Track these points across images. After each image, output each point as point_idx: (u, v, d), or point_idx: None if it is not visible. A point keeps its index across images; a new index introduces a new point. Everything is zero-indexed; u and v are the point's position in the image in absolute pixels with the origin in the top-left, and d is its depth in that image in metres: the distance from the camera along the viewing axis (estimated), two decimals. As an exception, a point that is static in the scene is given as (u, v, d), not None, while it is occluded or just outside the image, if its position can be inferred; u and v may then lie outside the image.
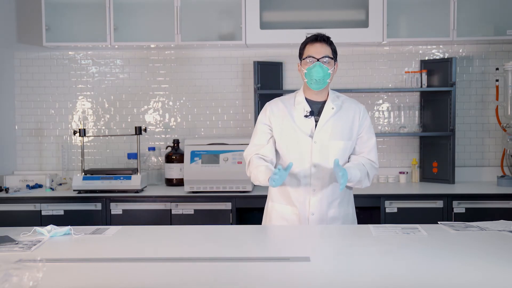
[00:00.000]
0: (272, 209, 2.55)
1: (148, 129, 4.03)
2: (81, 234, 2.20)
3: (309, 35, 2.46)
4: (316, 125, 2.43)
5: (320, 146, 2.41)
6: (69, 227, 2.22)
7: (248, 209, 3.64)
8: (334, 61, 2.44)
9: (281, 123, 2.47)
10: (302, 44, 2.47)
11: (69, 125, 4.13)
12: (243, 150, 2.72)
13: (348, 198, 2.57)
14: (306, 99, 2.47)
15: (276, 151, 2.52)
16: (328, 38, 2.44)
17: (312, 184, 2.44)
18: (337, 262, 1.79)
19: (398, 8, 3.73)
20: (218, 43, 3.82)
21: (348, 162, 2.50)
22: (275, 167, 2.49)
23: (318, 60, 2.37)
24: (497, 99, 3.89)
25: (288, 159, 2.43)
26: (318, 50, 2.39)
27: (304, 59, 2.41)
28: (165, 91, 4.11)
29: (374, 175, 2.52)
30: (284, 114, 2.48)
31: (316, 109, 2.46)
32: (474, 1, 3.72)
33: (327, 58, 2.39)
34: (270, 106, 2.53)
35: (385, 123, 4.04)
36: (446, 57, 3.96)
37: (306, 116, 2.43)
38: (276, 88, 3.97)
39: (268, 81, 3.92)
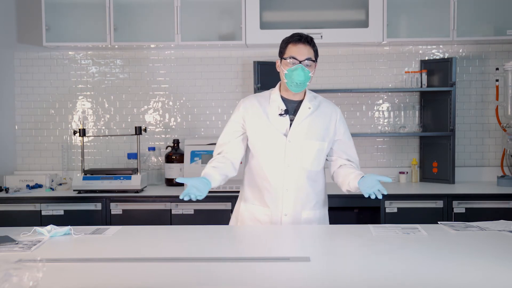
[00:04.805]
0: (245, 210, 2.48)
1: (148, 129, 4.03)
2: (81, 234, 2.20)
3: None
4: (291, 124, 2.37)
5: (295, 145, 2.35)
6: (69, 227, 2.22)
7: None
8: (315, 63, 2.35)
9: (255, 120, 2.39)
10: (284, 41, 2.36)
11: (69, 125, 4.13)
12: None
13: (324, 200, 2.51)
14: (282, 97, 2.40)
15: (249, 149, 2.45)
16: (312, 39, 2.34)
17: (285, 184, 2.37)
18: (337, 262, 1.78)
19: (398, 8, 3.73)
20: (218, 43, 3.82)
21: (347, 172, 2.40)
22: (245, 165, 2.49)
23: (300, 62, 2.29)
24: (497, 99, 3.89)
25: (262, 157, 2.39)
26: (302, 51, 2.29)
27: (285, 58, 2.32)
28: (165, 91, 4.11)
29: None
30: (258, 112, 2.40)
31: (291, 108, 2.39)
32: (474, 1, 3.72)
33: (309, 61, 2.30)
34: (244, 104, 2.45)
35: (385, 123, 4.04)
36: (446, 57, 3.96)
37: (280, 114, 2.36)
38: (276, 88, 3.96)
39: (268, 81, 3.88)
